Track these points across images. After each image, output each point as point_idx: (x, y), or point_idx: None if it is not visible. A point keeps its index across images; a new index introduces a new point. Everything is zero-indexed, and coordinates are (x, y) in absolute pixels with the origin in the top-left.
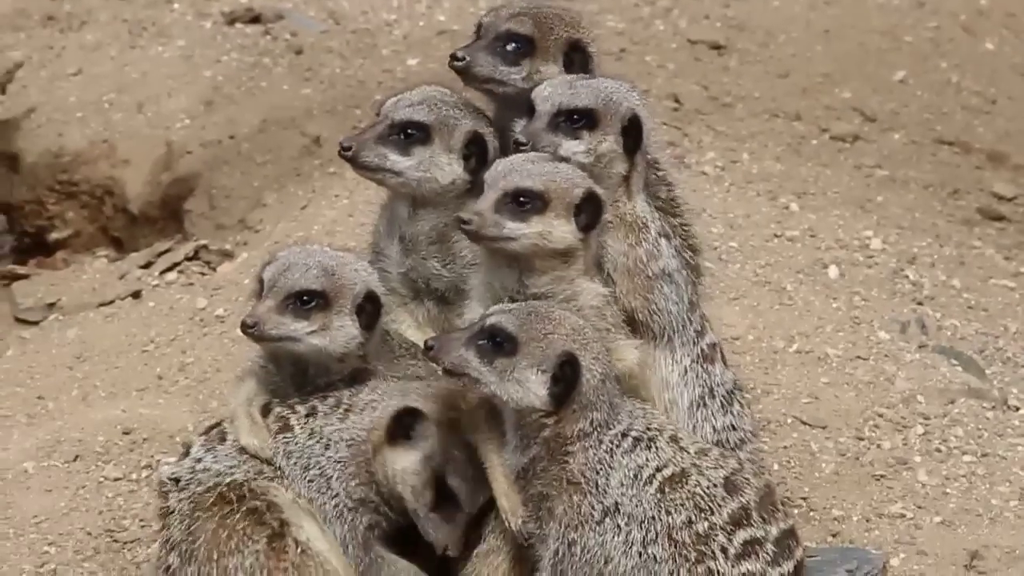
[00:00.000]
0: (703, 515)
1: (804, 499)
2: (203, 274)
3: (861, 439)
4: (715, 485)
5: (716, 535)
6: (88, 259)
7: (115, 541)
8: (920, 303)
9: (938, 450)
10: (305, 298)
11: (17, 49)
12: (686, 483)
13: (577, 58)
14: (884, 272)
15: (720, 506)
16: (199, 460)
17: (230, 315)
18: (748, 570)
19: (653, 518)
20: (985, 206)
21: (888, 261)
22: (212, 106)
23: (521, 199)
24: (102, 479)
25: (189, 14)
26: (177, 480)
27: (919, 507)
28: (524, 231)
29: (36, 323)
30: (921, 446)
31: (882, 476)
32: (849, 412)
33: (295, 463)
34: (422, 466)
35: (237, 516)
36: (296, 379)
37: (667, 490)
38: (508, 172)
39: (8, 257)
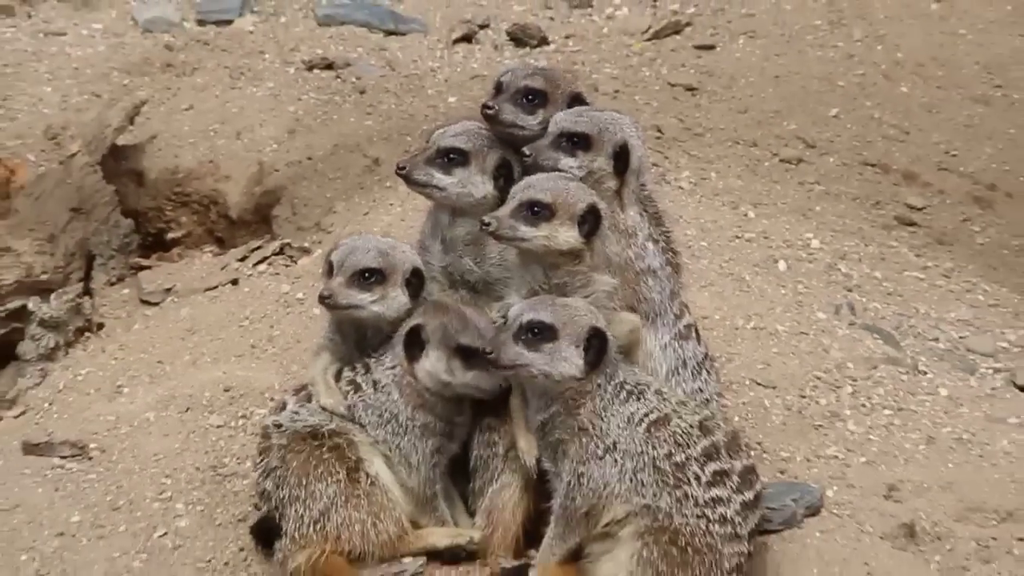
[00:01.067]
0: (681, 449)
1: (759, 444)
2: (287, 266)
3: (803, 397)
4: (691, 427)
5: (691, 466)
6: (197, 254)
7: (218, 475)
8: (850, 290)
9: (863, 406)
10: (367, 274)
11: (142, 90)
12: (668, 424)
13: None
14: (821, 266)
15: (695, 443)
16: (296, 412)
17: (308, 298)
18: (717, 495)
19: (641, 452)
20: (901, 215)
21: (824, 257)
22: (294, 134)
23: (534, 208)
24: (208, 426)
25: (277, 62)
26: (279, 425)
27: (849, 450)
28: (534, 234)
29: (157, 304)
30: (850, 402)
31: (820, 426)
32: (794, 375)
33: (372, 413)
34: (438, 355)
35: (324, 449)
36: (359, 344)
37: (653, 430)
38: (527, 187)
39: (135, 252)
